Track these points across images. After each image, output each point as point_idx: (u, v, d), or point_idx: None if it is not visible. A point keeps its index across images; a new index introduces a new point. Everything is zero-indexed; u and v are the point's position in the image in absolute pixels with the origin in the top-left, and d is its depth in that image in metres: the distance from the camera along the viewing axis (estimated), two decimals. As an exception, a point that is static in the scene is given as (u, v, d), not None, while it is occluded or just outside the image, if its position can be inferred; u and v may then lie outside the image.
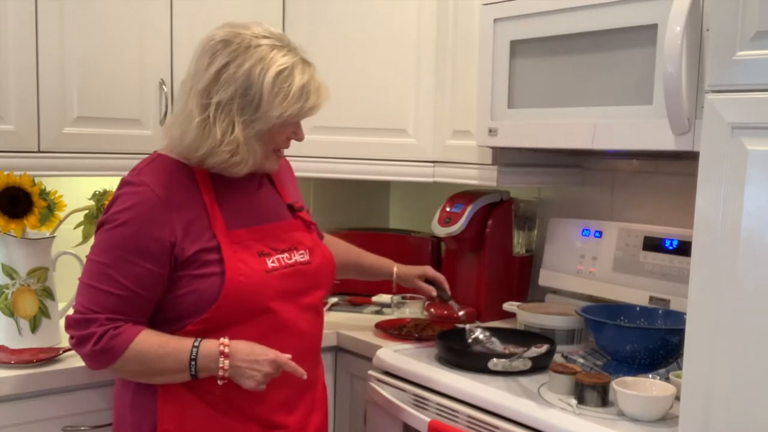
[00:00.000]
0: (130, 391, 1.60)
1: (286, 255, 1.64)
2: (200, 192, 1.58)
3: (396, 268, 2.08)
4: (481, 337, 1.98)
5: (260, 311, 1.56)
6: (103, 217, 1.54)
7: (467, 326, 2.01)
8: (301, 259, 1.66)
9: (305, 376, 1.54)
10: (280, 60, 1.53)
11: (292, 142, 1.66)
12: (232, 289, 1.52)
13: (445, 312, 2.28)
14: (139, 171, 1.57)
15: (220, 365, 1.49)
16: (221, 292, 1.51)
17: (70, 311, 1.56)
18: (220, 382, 1.50)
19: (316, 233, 1.78)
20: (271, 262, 1.60)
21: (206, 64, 1.54)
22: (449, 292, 2.08)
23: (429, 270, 2.08)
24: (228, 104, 1.51)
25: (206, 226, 1.56)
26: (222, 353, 1.49)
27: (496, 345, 1.96)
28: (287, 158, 1.82)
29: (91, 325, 1.49)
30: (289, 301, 1.61)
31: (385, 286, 2.31)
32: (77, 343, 1.51)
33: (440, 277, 2.08)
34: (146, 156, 1.64)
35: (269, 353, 1.51)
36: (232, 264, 1.54)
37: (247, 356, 1.50)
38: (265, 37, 1.55)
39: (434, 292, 2.04)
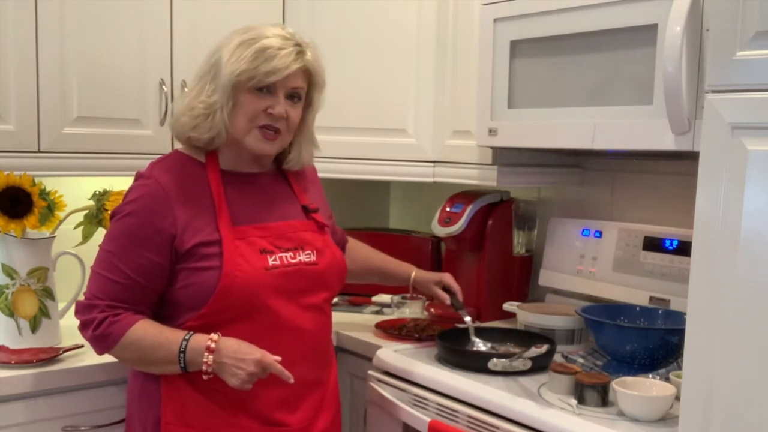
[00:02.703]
0: (138, 384, 1.63)
1: (290, 254, 1.63)
2: (210, 187, 1.60)
3: (414, 273, 2.07)
4: (482, 348, 1.97)
5: (257, 308, 1.57)
6: (115, 208, 1.60)
7: (472, 337, 1.98)
8: (307, 259, 1.65)
9: (291, 380, 1.52)
10: (254, 33, 1.58)
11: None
12: (228, 284, 1.53)
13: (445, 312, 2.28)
14: (152, 166, 1.63)
15: (204, 360, 1.49)
16: (217, 286, 1.52)
17: (81, 297, 1.61)
18: (204, 377, 1.51)
19: (329, 235, 1.76)
20: (272, 260, 1.60)
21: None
22: (462, 302, 2.04)
23: (446, 277, 2.05)
24: (204, 77, 1.60)
25: (210, 220, 1.57)
26: (208, 348, 1.50)
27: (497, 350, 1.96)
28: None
29: (93, 310, 1.54)
30: (290, 300, 1.61)
31: (386, 286, 2.31)
32: (82, 328, 1.57)
33: (456, 286, 2.04)
34: (146, 155, 1.68)
35: (255, 353, 1.50)
36: (231, 259, 1.54)
37: (233, 354, 1.49)
38: (272, 34, 1.58)
39: (449, 301, 2.02)
